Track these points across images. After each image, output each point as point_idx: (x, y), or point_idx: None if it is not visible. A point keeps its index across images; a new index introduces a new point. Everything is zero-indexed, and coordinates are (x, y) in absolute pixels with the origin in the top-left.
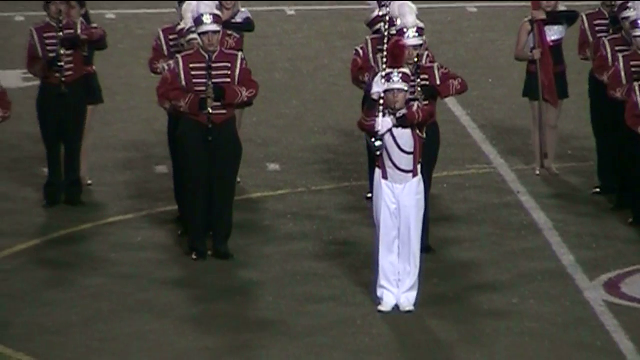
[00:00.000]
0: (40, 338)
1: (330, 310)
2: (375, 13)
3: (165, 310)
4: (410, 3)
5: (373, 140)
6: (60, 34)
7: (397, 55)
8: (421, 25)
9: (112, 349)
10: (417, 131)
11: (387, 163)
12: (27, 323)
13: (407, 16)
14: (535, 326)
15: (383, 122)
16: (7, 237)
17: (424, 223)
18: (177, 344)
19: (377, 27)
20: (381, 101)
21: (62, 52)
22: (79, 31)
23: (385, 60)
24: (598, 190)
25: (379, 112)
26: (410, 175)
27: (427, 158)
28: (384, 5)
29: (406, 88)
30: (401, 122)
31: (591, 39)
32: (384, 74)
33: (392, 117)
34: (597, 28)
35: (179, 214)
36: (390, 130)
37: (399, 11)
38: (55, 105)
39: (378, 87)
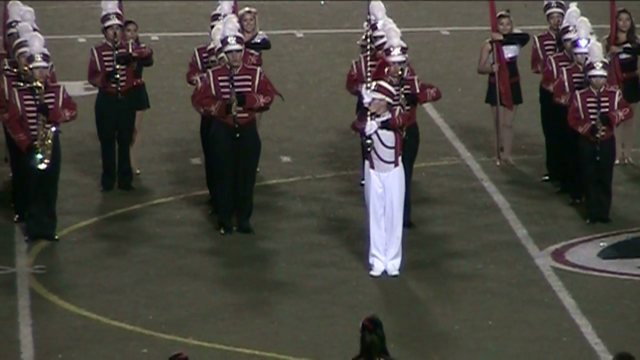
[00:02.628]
0: (100, 296)
1: (331, 273)
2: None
3: (199, 273)
4: (395, 27)
5: (364, 138)
6: (116, 52)
7: (380, 71)
8: (404, 45)
9: (157, 304)
10: (399, 131)
11: (374, 156)
12: (89, 284)
13: (393, 38)
14: (495, 286)
15: (371, 125)
16: (73, 215)
17: (406, 203)
18: (209, 300)
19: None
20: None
21: (117, 67)
22: (130, 50)
23: (369, 73)
24: (546, 177)
25: (367, 117)
26: (392, 165)
27: (408, 152)
28: (375, 29)
29: (386, 98)
30: (385, 126)
31: (541, 56)
32: (369, 86)
33: (377, 119)
34: (546, 47)
35: (210, 196)
36: (376, 131)
37: (386, 34)
38: (111, 109)
39: (367, 97)
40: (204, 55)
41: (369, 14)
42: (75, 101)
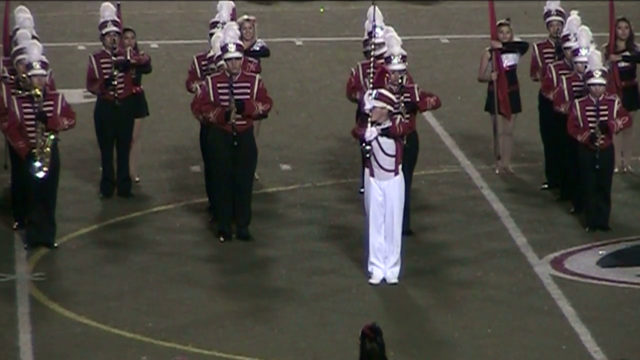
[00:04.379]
0: (100, 303)
1: (331, 281)
2: (366, 36)
3: (199, 281)
4: (396, 35)
5: (364, 145)
6: (114, 59)
7: (380, 79)
8: (404, 53)
9: (157, 312)
10: (399, 140)
11: (374, 163)
12: (88, 291)
13: (394, 46)
14: (494, 294)
15: (371, 132)
16: (73, 222)
17: (406, 211)
18: (208, 307)
19: (367, 49)
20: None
21: (115, 74)
22: (129, 57)
23: (371, 81)
24: (545, 185)
25: (368, 123)
26: (392, 173)
27: (408, 159)
28: (373, 36)
29: (387, 106)
30: (385, 134)
31: (540, 64)
32: (371, 93)
33: (378, 127)
34: (545, 55)
35: (210, 204)
36: (376, 138)
37: (387, 42)
38: (110, 116)
39: (369, 104)
40: (203, 63)
41: (373, 20)
42: (74, 109)
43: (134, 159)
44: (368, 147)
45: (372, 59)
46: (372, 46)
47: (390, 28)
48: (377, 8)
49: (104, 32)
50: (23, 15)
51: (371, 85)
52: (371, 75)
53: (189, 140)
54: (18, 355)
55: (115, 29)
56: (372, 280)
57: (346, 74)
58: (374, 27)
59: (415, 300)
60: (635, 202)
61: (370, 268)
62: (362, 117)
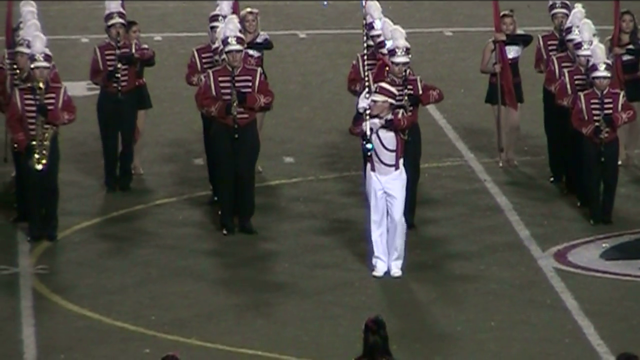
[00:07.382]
0: (102, 297)
1: (333, 274)
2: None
3: (201, 274)
4: (400, 28)
5: (364, 142)
6: (118, 52)
7: (380, 72)
8: (408, 46)
9: (159, 305)
10: (400, 134)
11: (375, 158)
12: (91, 285)
13: (399, 39)
14: (497, 287)
15: (373, 123)
16: (76, 216)
17: (410, 205)
18: (211, 301)
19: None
20: (367, 111)
21: (119, 66)
22: (133, 50)
23: (366, 74)
24: (551, 179)
25: (364, 120)
26: (393, 168)
27: (412, 153)
28: (372, 28)
29: (389, 100)
30: (388, 126)
31: (545, 56)
32: (372, 87)
33: (380, 119)
34: (550, 47)
35: (215, 197)
36: (377, 130)
37: (391, 35)
38: (113, 109)
39: (362, 102)
40: (204, 55)
41: (365, 15)
42: (75, 103)
43: (138, 153)
44: (369, 145)
45: (365, 52)
46: (365, 38)
47: (387, 20)
48: (376, 1)
49: (109, 23)
50: (27, 9)
51: (367, 78)
52: (367, 69)
53: (191, 133)
54: (21, 349)
55: (121, 20)
56: (375, 273)
57: (349, 67)
58: (365, 22)
59: (418, 294)
60: (638, 195)
61: (373, 261)
62: (356, 116)
